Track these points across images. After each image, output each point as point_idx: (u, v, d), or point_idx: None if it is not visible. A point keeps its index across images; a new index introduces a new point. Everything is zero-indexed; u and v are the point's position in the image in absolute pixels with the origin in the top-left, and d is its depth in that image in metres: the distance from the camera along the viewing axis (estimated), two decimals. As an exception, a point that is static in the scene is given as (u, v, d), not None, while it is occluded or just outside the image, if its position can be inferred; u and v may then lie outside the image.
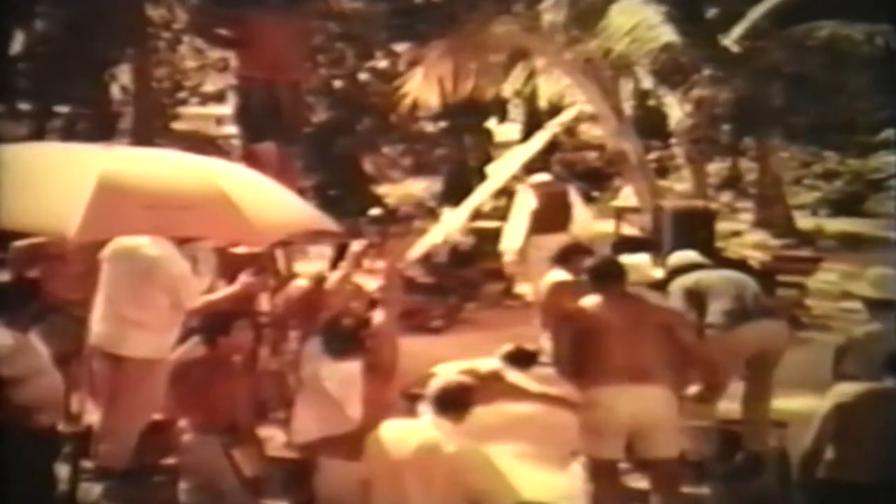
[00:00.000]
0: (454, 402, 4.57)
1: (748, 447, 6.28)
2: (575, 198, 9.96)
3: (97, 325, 5.94)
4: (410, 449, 4.45)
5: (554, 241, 8.85)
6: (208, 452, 5.37)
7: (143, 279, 5.87)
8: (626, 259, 7.80)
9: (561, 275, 7.64)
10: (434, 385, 4.63)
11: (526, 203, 9.52)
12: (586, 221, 9.81)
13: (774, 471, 6.14)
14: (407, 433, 4.55)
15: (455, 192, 15.04)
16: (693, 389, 5.82)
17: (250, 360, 6.35)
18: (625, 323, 5.37)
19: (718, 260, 7.70)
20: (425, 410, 4.59)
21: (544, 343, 7.39)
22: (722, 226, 13.49)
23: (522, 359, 5.96)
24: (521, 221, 9.46)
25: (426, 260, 11.10)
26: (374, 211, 7.75)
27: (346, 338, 5.54)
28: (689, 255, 6.81)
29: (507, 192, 16.49)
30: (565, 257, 7.68)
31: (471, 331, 9.71)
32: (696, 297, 6.31)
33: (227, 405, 5.45)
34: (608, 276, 5.60)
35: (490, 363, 5.87)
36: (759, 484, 6.12)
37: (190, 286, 5.95)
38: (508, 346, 6.00)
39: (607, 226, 13.02)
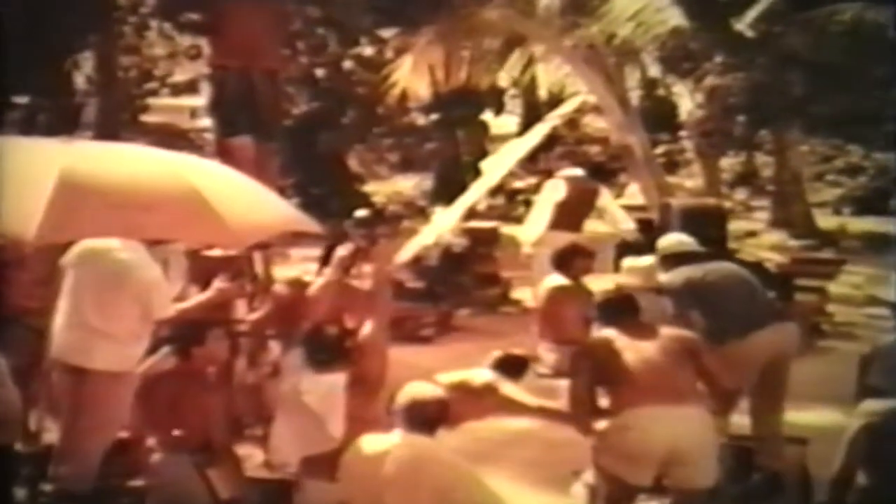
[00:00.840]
0: (427, 417, 4.56)
1: (764, 465, 6.26)
2: (608, 198, 10.03)
3: (59, 335, 5.93)
4: (391, 467, 4.46)
5: (564, 241, 8.92)
6: (180, 473, 5.37)
7: (112, 285, 5.85)
8: (631, 262, 7.84)
9: (559, 279, 7.66)
10: (402, 399, 4.61)
11: (554, 193, 9.60)
12: (625, 222, 9.87)
13: (794, 492, 6.15)
14: (385, 451, 4.55)
15: (447, 190, 15.08)
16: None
17: (225, 373, 6.34)
18: (647, 350, 5.37)
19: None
20: (396, 425, 4.58)
21: (542, 352, 7.43)
22: (735, 225, 13.55)
23: (513, 366, 5.87)
24: (544, 212, 9.54)
25: (416, 263, 11.11)
26: (361, 212, 7.70)
27: (330, 348, 5.53)
28: (683, 240, 6.75)
29: (503, 190, 16.61)
30: (564, 260, 7.71)
31: (464, 339, 9.72)
32: (699, 294, 6.25)
33: (201, 421, 5.45)
34: (621, 311, 5.60)
35: (483, 375, 5.86)
36: None
37: (162, 294, 5.94)
38: (497, 353, 5.97)
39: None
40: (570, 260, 7.68)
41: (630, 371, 5.29)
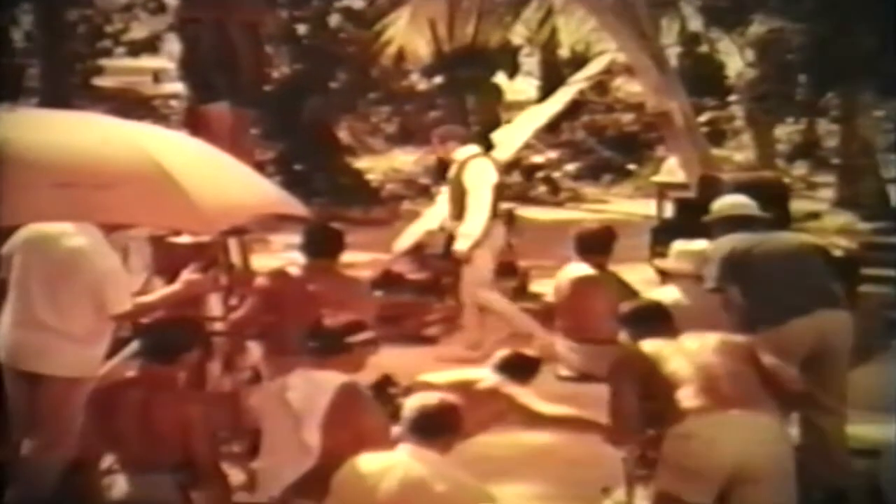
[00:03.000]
0: (438, 427, 4.66)
1: (827, 480, 6.25)
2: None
3: (7, 336, 5.99)
4: (391, 489, 4.51)
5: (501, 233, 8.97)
6: (160, 496, 5.39)
7: (62, 275, 5.89)
8: (682, 245, 7.88)
9: (583, 268, 7.71)
10: (411, 406, 4.70)
11: (488, 176, 9.26)
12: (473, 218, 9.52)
13: None
14: (385, 469, 4.60)
15: (454, 166, 15.09)
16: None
17: (198, 379, 6.37)
18: (700, 354, 5.46)
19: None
20: (403, 439, 4.66)
21: (563, 352, 7.47)
22: (794, 205, 13.53)
23: (521, 367, 5.93)
24: (483, 200, 9.10)
25: (418, 251, 11.15)
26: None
27: (330, 340, 5.55)
28: (741, 202, 6.78)
29: (519, 166, 16.62)
30: (588, 245, 7.75)
31: (475, 340, 9.74)
32: (742, 268, 6.31)
33: (179, 435, 5.43)
34: (651, 321, 5.71)
35: (486, 375, 5.90)
36: None
37: (119, 285, 5.97)
38: (503, 352, 5.98)
39: (646, 207, 13.06)
40: (595, 245, 7.70)
41: (684, 377, 5.34)
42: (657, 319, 5.71)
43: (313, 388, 5.34)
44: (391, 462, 4.65)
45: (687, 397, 5.30)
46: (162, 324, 5.90)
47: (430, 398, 4.84)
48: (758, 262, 6.34)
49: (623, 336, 5.75)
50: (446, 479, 4.57)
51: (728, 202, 6.84)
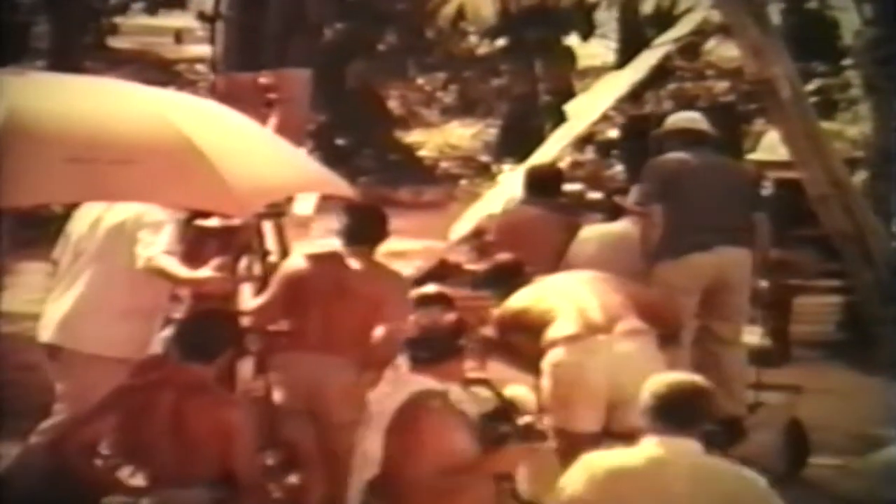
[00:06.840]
0: (689, 415, 4.65)
1: (724, 410, 7.00)
2: None
3: (50, 315, 6.39)
4: (678, 482, 4.54)
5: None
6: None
7: (109, 241, 6.40)
8: None
9: (527, 209, 8.47)
10: (655, 392, 4.67)
11: None
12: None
13: (781, 442, 7.42)
14: (652, 463, 4.60)
15: (519, 141, 15.12)
16: None
17: (227, 381, 6.38)
18: (570, 291, 6.48)
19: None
20: (647, 431, 4.67)
21: None
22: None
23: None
24: None
25: (478, 238, 11.15)
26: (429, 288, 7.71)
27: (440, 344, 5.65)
28: (693, 117, 8.12)
29: (594, 142, 16.56)
30: (536, 184, 8.64)
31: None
32: (671, 188, 7.49)
33: (216, 445, 5.45)
34: (502, 278, 6.96)
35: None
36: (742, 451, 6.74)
37: (155, 231, 6.31)
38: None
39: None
40: (544, 184, 8.64)
41: (557, 311, 6.33)
42: (509, 274, 6.94)
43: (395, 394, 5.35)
44: (650, 455, 4.62)
45: (558, 328, 6.27)
46: (197, 317, 5.98)
47: (680, 380, 4.80)
48: (689, 181, 7.57)
49: (488, 295, 7.02)
50: (721, 467, 4.70)
51: (681, 117, 8.20)
